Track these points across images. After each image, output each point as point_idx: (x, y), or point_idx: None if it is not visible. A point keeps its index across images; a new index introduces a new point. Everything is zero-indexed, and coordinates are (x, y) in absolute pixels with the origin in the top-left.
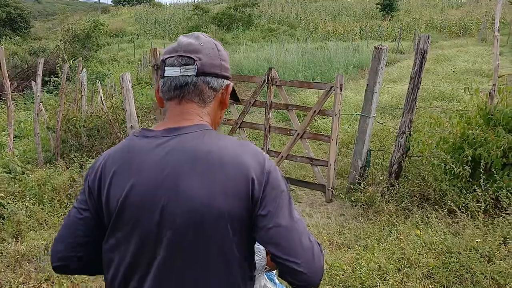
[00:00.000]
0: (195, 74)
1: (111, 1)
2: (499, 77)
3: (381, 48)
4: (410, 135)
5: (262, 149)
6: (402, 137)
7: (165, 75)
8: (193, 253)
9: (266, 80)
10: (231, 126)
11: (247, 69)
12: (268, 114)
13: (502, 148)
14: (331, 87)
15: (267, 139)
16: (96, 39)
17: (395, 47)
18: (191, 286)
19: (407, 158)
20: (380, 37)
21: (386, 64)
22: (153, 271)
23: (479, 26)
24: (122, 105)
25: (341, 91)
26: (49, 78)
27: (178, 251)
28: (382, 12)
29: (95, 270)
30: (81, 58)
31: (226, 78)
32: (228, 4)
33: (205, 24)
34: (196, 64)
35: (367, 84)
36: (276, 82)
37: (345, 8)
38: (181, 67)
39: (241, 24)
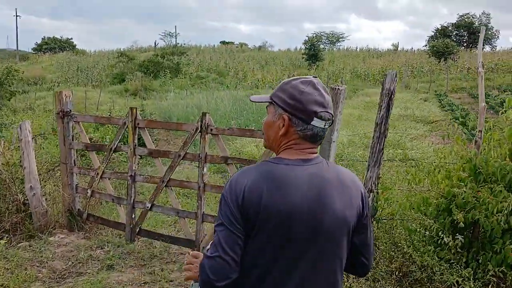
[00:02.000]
0: (328, 127)
1: (31, 49)
2: (433, 122)
3: (338, 88)
4: (377, 193)
5: (196, 213)
6: (369, 196)
7: (312, 124)
8: (333, 252)
9: (199, 127)
10: (156, 185)
11: (176, 117)
12: (203, 169)
13: (505, 211)
14: None
15: (201, 200)
16: (10, 86)
17: None
18: (326, 283)
19: (375, 222)
20: None
21: None
22: (299, 271)
23: (401, 74)
24: (20, 161)
25: None
26: None
27: (323, 251)
28: (308, 61)
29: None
30: None
31: None
32: (155, 52)
33: (130, 71)
34: (332, 120)
35: None
36: (211, 130)
37: (272, 58)
38: (326, 122)
39: (168, 71)
